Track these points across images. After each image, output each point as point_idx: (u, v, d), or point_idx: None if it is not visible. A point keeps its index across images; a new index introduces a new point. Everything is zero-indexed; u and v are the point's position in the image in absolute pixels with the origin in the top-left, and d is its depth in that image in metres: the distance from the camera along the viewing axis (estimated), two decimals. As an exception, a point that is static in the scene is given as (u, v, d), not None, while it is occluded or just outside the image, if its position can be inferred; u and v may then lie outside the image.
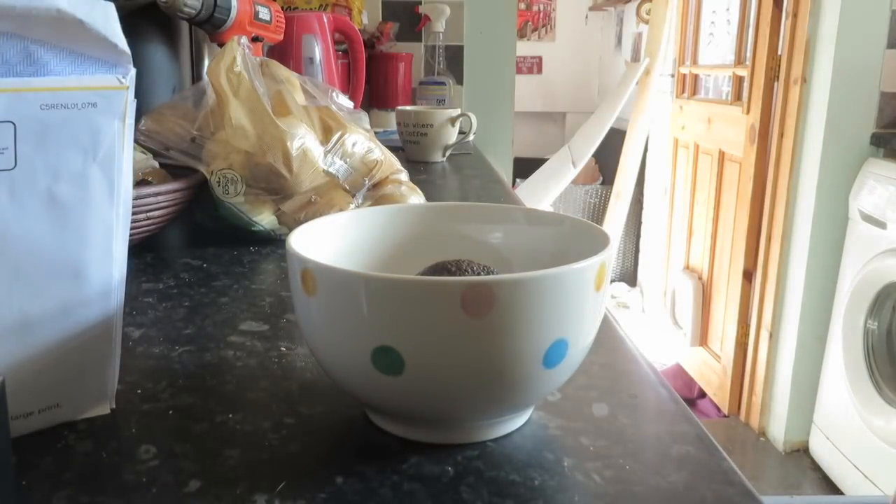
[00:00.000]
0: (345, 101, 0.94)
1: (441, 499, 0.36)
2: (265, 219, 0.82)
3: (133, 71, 0.39)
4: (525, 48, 5.09)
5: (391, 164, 0.90)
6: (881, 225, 2.12)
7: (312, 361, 0.43)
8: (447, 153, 1.57)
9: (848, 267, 2.27)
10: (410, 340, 0.37)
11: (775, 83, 2.65)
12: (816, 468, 2.43)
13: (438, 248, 0.50)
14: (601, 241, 0.42)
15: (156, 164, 0.83)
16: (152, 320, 0.59)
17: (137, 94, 0.40)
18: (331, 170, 0.84)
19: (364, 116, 0.93)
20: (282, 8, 1.23)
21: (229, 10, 1.01)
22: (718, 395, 2.90)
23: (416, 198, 0.90)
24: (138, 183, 0.77)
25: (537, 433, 0.42)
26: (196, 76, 1.26)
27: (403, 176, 0.91)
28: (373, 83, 2.06)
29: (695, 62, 3.50)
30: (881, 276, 2.10)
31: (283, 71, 0.91)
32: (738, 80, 2.98)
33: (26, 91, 0.35)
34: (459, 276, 0.38)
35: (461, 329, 0.36)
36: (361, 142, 0.87)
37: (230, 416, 0.44)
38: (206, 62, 1.27)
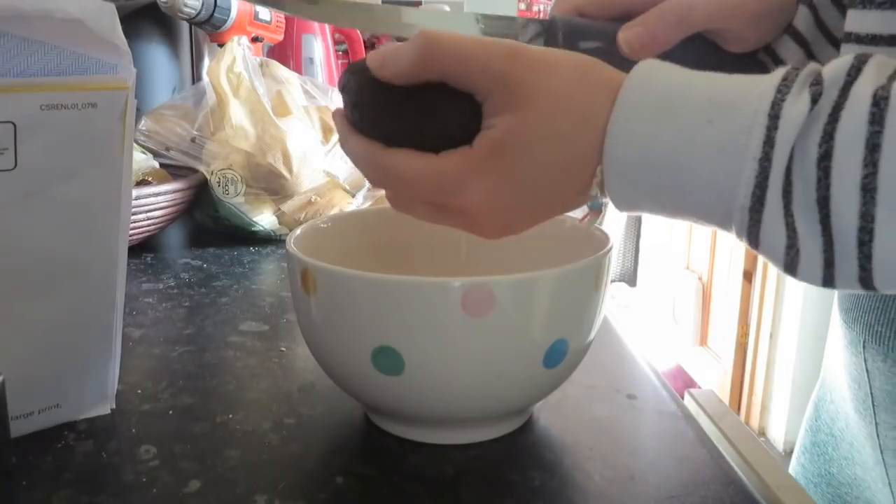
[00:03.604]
0: (345, 101, 0.94)
1: (441, 499, 0.36)
2: (265, 219, 0.82)
3: (133, 71, 0.39)
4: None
5: (391, 164, 0.89)
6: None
7: (312, 361, 0.43)
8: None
9: (848, 267, 2.26)
10: (410, 340, 0.37)
11: (775, 83, 2.65)
12: (816, 468, 2.43)
13: (439, 247, 0.50)
14: (601, 241, 0.42)
15: (156, 164, 0.83)
16: (152, 320, 0.59)
17: (137, 94, 0.40)
18: (331, 170, 0.84)
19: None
20: (282, 8, 1.23)
21: (229, 10, 1.01)
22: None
23: (416, 198, 0.90)
24: (138, 183, 0.77)
25: (537, 433, 0.43)
26: (196, 76, 1.26)
27: (403, 176, 0.91)
28: (373, 83, 2.06)
29: (695, 62, 3.50)
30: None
31: (283, 71, 0.91)
32: (738, 80, 2.97)
33: (26, 91, 0.35)
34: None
35: (461, 329, 0.36)
36: (361, 142, 0.87)
37: (230, 416, 0.44)
38: (206, 62, 1.27)
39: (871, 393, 0.48)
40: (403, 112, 0.35)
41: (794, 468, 0.60)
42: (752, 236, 0.31)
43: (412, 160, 0.34)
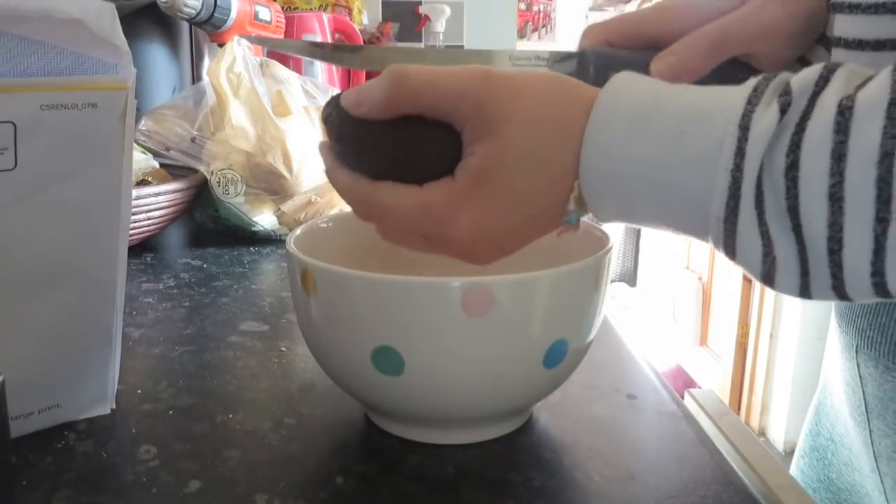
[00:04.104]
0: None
1: (441, 499, 0.36)
2: (265, 219, 0.82)
3: (133, 71, 0.39)
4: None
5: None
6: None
7: (312, 361, 0.43)
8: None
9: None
10: (410, 340, 0.37)
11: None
12: (816, 468, 2.42)
13: (438, 248, 0.50)
14: (601, 241, 0.42)
15: (156, 164, 0.83)
16: (152, 320, 0.59)
17: (137, 94, 0.40)
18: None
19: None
20: (282, 8, 1.23)
21: (229, 10, 1.01)
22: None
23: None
24: (138, 183, 0.77)
25: (537, 433, 0.43)
26: (196, 76, 1.26)
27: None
28: (373, 83, 2.06)
29: (695, 62, 3.49)
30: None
31: (283, 71, 0.91)
32: (738, 80, 2.97)
33: (26, 91, 0.35)
34: None
35: (461, 329, 0.36)
36: (361, 142, 0.87)
37: (230, 416, 0.44)
38: (206, 62, 1.27)
39: (865, 399, 0.48)
40: (384, 145, 0.35)
41: (793, 472, 0.60)
42: (729, 247, 0.31)
43: (397, 194, 0.34)
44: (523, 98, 0.33)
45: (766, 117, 0.29)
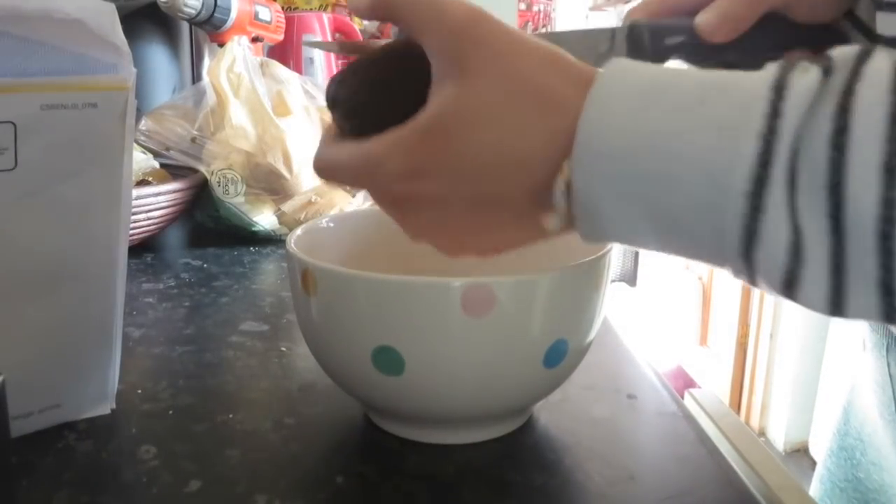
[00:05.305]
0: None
1: (441, 499, 0.36)
2: (265, 219, 0.82)
3: (133, 71, 0.39)
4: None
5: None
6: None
7: (312, 361, 0.43)
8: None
9: (848, 267, 2.26)
10: (410, 340, 0.37)
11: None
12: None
13: (438, 248, 0.50)
14: (601, 241, 0.42)
15: (156, 164, 0.83)
16: (152, 320, 0.59)
17: (137, 94, 0.40)
18: (331, 170, 0.84)
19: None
20: (282, 8, 1.23)
21: (229, 10, 1.01)
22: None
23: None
24: (138, 183, 0.77)
25: (537, 433, 0.42)
26: (196, 76, 1.26)
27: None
28: (373, 83, 2.05)
29: (695, 62, 3.49)
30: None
31: (283, 71, 0.91)
32: (738, 80, 2.96)
33: (26, 91, 0.35)
34: None
35: (461, 329, 0.36)
36: (361, 142, 0.87)
37: (230, 416, 0.44)
38: (206, 62, 1.27)
39: (895, 398, 0.47)
40: (363, 100, 0.33)
41: (819, 473, 0.59)
42: (750, 232, 0.26)
43: (339, 147, 0.32)
44: (507, 53, 0.30)
45: (807, 77, 0.25)
